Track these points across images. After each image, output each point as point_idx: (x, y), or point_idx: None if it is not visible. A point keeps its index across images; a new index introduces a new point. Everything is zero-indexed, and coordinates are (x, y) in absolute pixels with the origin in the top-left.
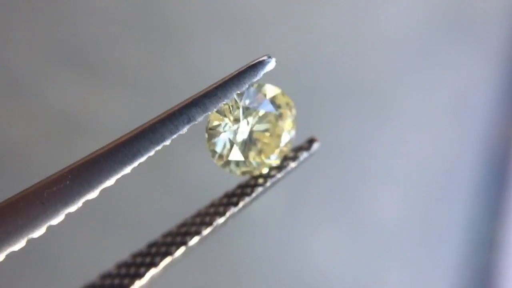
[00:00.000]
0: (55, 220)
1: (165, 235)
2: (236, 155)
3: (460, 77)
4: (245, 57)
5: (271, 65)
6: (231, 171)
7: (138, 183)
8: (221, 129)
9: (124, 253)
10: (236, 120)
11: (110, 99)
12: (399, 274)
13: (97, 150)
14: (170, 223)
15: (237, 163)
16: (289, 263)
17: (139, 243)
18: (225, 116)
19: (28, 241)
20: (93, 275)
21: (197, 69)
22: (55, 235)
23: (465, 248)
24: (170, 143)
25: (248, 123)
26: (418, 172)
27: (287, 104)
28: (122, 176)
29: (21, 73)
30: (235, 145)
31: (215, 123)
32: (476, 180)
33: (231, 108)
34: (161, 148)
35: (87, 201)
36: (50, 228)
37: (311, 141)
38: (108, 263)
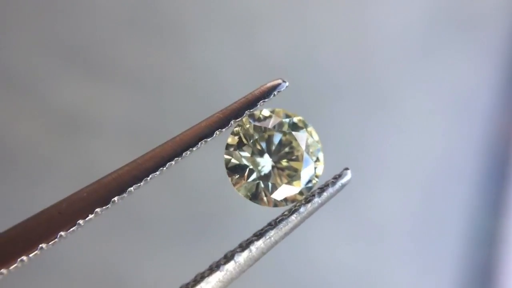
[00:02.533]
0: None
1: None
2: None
3: (461, 75)
4: (246, 57)
5: (282, 87)
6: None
7: (145, 185)
8: (241, 159)
9: (131, 254)
10: (255, 148)
11: (113, 98)
12: (399, 272)
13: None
14: (175, 224)
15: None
16: (289, 262)
17: (146, 244)
18: (242, 140)
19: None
20: (97, 275)
21: (199, 68)
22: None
23: (465, 245)
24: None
25: (267, 152)
26: (418, 170)
27: (305, 125)
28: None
29: (25, 72)
30: (261, 183)
31: (234, 146)
32: (476, 177)
33: (247, 133)
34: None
35: None
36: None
37: (342, 171)
38: (113, 264)
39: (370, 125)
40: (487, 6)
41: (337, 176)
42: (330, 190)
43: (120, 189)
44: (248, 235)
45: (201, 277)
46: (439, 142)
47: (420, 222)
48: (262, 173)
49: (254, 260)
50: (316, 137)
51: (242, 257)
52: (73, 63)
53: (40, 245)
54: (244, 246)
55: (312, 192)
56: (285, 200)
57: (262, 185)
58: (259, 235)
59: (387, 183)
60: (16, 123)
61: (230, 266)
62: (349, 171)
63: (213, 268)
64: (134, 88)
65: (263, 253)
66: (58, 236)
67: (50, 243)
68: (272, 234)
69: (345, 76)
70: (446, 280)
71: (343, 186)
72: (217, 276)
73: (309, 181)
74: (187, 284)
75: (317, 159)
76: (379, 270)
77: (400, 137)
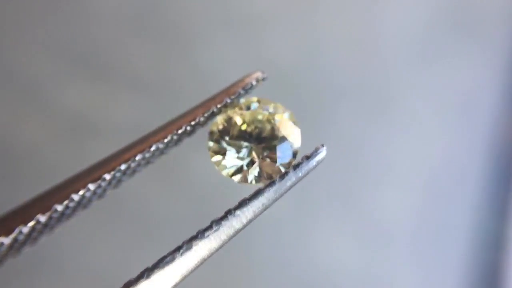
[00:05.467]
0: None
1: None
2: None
3: (465, 76)
4: (250, 59)
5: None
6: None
7: (145, 185)
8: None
9: (130, 254)
10: (237, 133)
11: (119, 101)
12: (404, 274)
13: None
14: (177, 224)
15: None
16: (294, 263)
17: (146, 244)
18: (225, 127)
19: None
20: (99, 276)
21: (205, 71)
22: (62, 237)
23: (471, 247)
24: (179, 147)
25: (248, 137)
26: (423, 172)
27: (283, 109)
28: (132, 172)
29: (34, 75)
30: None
31: (217, 133)
32: (482, 178)
33: (229, 120)
34: (168, 151)
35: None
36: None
37: (316, 149)
38: (114, 264)
39: (374, 127)
40: (490, 9)
41: (313, 152)
42: (305, 165)
43: (110, 168)
44: (253, 235)
45: (180, 245)
46: (444, 144)
47: (425, 224)
48: (243, 154)
49: (234, 230)
50: (293, 118)
51: (221, 227)
52: (79, 67)
53: (37, 217)
54: (224, 215)
55: (287, 170)
56: (264, 177)
57: (243, 164)
58: (238, 205)
59: (392, 185)
60: (22, 126)
61: (210, 234)
62: (324, 148)
63: (193, 236)
64: (139, 91)
65: (242, 223)
66: (53, 209)
67: (45, 214)
68: (251, 205)
69: (349, 78)
70: (451, 283)
71: (318, 163)
72: (198, 244)
73: (287, 158)
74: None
75: (294, 139)
76: (384, 272)
77: (405, 139)
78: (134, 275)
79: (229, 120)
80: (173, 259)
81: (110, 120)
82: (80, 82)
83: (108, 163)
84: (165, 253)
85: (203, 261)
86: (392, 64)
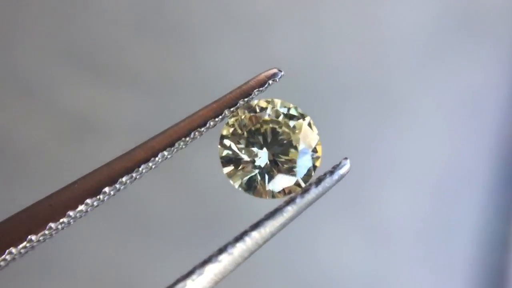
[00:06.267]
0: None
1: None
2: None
3: (473, 77)
4: (254, 59)
5: (277, 76)
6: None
7: (148, 185)
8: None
9: (136, 256)
10: (251, 139)
11: (123, 101)
12: (411, 276)
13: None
14: (180, 225)
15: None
16: (299, 265)
17: (149, 246)
18: (237, 131)
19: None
20: (100, 277)
21: (208, 71)
22: (70, 238)
23: (479, 249)
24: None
25: (263, 143)
26: (429, 173)
27: (302, 115)
28: (133, 180)
29: (33, 75)
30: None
31: (229, 137)
32: (488, 180)
33: (242, 123)
34: (176, 154)
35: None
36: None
37: (340, 162)
38: (120, 266)
39: (380, 127)
40: (498, 9)
41: (336, 166)
42: (328, 180)
43: (111, 180)
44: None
45: (192, 270)
46: (450, 145)
47: (431, 226)
48: (258, 164)
49: (250, 252)
50: (313, 127)
51: (236, 249)
52: (82, 67)
53: (29, 237)
54: (238, 237)
55: (309, 183)
56: (283, 191)
57: (258, 176)
58: (254, 226)
59: (398, 186)
60: (26, 126)
61: (224, 258)
62: (348, 161)
63: (206, 260)
64: (143, 91)
65: (258, 244)
66: (48, 227)
67: (39, 234)
68: (268, 226)
69: (355, 78)
70: (458, 285)
71: (341, 176)
72: (211, 269)
73: (307, 172)
74: (177, 279)
75: (315, 150)
76: (389, 275)
77: (410, 140)
78: (136, 277)
79: (243, 124)
80: (184, 286)
81: (112, 120)
82: (85, 83)
83: (108, 174)
84: (165, 255)
85: (216, 284)
86: (399, 65)
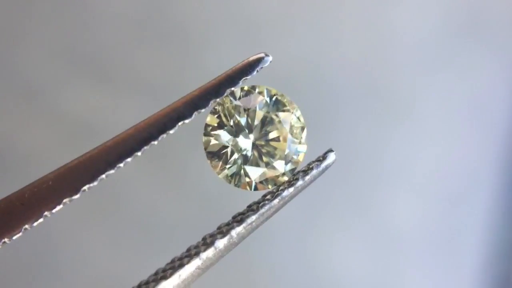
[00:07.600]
0: (35, 222)
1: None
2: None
3: (478, 81)
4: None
5: (266, 62)
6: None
7: (149, 188)
8: (221, 138)
9: (137, 259)
10: (237, 128)
11: (124, 105)
12: (418, 282)
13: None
14: (183, 229)
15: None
16: (306, 271)
17: (149, 249)
18: (222, 120)
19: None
20: (102, 281)
21: (210, 75)
22: (64, 243)
23: (484, 254)
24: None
25: (248, 133)
26: (436, 178)
27: (289, 104)
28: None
29: (36, 79)
30: (244, 166)
31: (214, 126)
32: (495, 185)
33: (227, 111)
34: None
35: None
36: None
37: (326, 153)
38: (120, 269)
39: (385, 131)
40: (502, 13)
41: (321, 158)
42: (314, 172)
43: (91, 176)
44: (265, 242)
45: (179, 265)
46: (458, 150)
47: (438, 232)
48: (243, 154)
49: (234, 245)
50: (299, 116)
51: (222, 243)
52: (85, 71)
53: (2, 240)
54: (224, 232)
55: (295, 176)
56: (266, 181)
57: (242, 167)
58: (240, 220)
59: (403, 190)
60: (28, 131)
61: (210, 253)
62: (333, 153)
63: (192, 255)
64: (143, 95)
65: (243, 238)
66: (23, 229)
67: (13, 237)
68: (254, 219)
69: (359, 82)
70: None
71: (326, 168)
72: (196, 263)
73: (291, 162)
74: (164, 270)
75: (300, 140)
76: (397, 280)
77: (417, 144)
78: (137, 280)
79: (227, 113)
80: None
81: (115, 125)
82: (87, 87)
83: (92, 164)
84: (166, 255)
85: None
86: (403, 69)
